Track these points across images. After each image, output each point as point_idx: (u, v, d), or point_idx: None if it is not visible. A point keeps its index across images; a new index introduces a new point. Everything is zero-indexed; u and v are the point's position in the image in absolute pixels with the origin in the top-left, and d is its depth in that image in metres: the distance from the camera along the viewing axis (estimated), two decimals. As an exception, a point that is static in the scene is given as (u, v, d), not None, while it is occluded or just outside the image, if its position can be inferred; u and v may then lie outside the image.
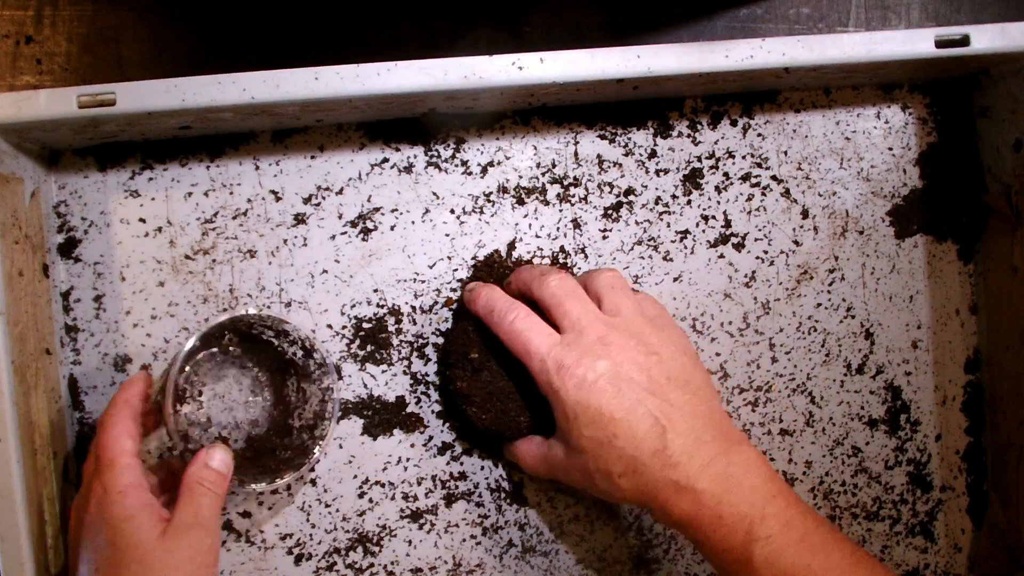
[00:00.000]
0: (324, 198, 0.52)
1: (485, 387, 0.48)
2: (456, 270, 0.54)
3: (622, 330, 0.46)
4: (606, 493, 0.45)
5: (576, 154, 0.54)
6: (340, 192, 0.53)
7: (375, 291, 0.53)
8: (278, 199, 0.52)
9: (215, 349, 0.51)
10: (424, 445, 0.53)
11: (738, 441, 0.45)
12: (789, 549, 0.41)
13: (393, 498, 0.53)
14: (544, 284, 0.47)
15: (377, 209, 0.53)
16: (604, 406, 0.44)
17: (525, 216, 0.54)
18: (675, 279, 0.55)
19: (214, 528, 0.43)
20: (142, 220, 0.51)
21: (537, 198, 0.54)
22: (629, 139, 0.55)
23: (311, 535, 0.52)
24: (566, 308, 0.46)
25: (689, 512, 0.43)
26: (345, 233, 0.53)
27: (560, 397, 0.44)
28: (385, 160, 0.53)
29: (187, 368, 0.50)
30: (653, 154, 0.55)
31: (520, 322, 0.46)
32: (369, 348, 0.53)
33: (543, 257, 0.54)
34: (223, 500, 0.44)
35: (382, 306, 0.53)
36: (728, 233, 0.55)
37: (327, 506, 0.52)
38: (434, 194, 0.53)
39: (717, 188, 0.55)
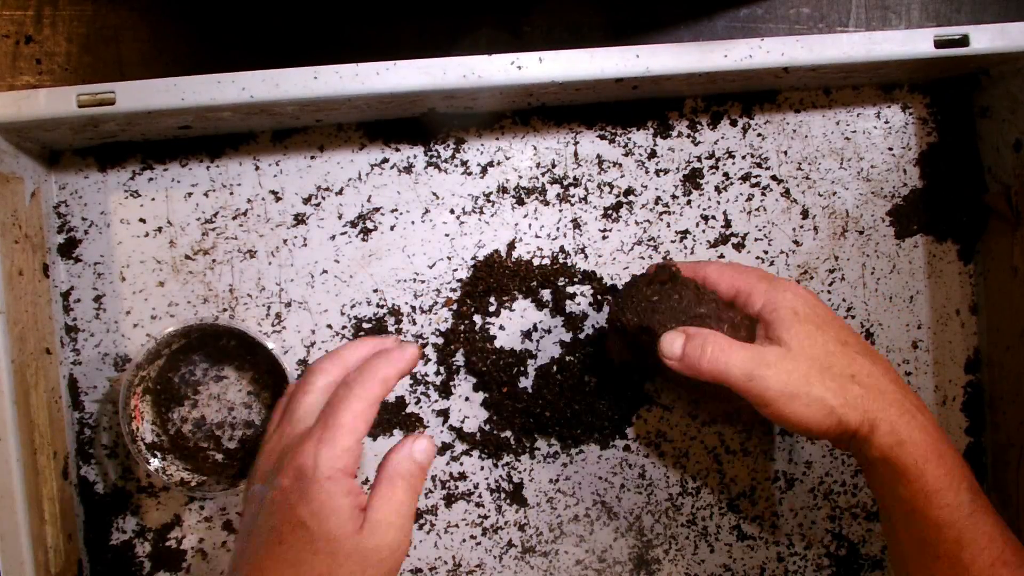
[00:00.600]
0: (324, 198, 0.52)
1: (670, 298, 0.47)
2: (456, 270, 0.54)
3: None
4: (819, 400, 0.43)
5: (576, 154, 0.54)
6: (340, 192, 0.53)
7: (375, 291, 0.53)
8: (278, 199, 0.52)
9: (181, 354, 0.51)
10: (424, 445, 0.53)
11: None
12: (990, 512, 0.43)
13: (393, 498, 0.53)
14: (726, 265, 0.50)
15: (377, 209, 0.53)
16: (836, 326, 0.46)
17: (525, 216, 0.54)
18: (675, 279, 0.55)
19: (410, 526, 0.40)
20: (142, 220, 0.51)
21: (537, 198, 0.54)
22: (629, 139, 0.55)
23: (311, 535, 0.52)
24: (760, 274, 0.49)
25: (918, 439, 0.42)
26: (345, 233, 0.53)
27: (789, 296, 0.46)
28: (385, 160, 0.53)
29: (140, 376, 0.50)
30: (653, 154, 0.55)
31: (731, 267, 0.49)
32: (369, 348, 0.53)
33: (543, 257, 0.54)
34: (420, 493, 0.42)
35: (382, 306, 0.53)
36: (728, 233, 0.55)
37: (327, 506, 0.52)
38: (434, 194, 0.53)
39: (717, 188, 0.55)
